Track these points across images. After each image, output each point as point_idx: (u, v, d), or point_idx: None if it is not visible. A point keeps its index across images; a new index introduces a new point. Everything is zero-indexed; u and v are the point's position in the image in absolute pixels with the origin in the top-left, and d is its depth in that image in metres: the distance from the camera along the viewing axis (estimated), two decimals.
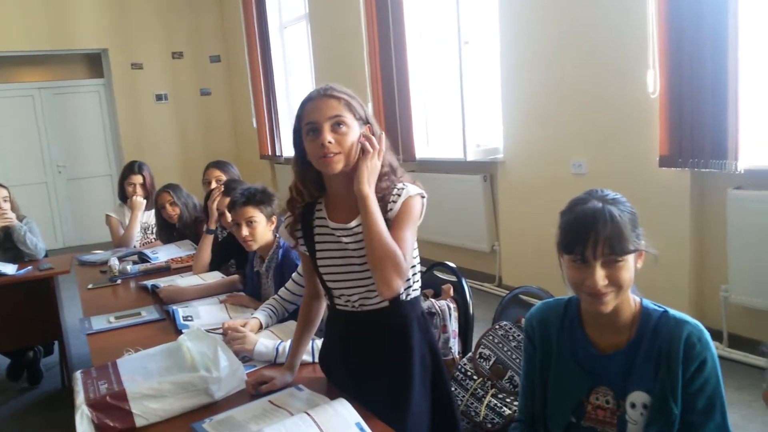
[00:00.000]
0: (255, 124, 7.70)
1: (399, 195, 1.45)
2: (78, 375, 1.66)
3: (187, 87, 8.35)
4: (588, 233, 1.17)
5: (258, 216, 2.23)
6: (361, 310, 1.53)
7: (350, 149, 1.43)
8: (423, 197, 1.49)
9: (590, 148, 3.68)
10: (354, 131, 1.44)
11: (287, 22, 7.13)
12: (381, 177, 1.46)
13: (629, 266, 1.19)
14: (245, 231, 2.23)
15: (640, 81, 3.26)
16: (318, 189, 1.54)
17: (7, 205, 3.57)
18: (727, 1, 2.80)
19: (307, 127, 1.44)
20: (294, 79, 7.27)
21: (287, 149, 7.20)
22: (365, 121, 1.48)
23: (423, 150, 5.01)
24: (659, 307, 1.25)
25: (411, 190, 1.46)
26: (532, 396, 1.39)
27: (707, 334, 1.20)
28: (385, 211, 1.44)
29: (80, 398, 1.50)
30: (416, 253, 1.53)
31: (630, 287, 1.21)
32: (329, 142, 1.40)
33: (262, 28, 7.17)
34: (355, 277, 1.50)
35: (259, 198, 2.24)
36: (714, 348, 1.20)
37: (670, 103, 3.10)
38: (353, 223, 1.48)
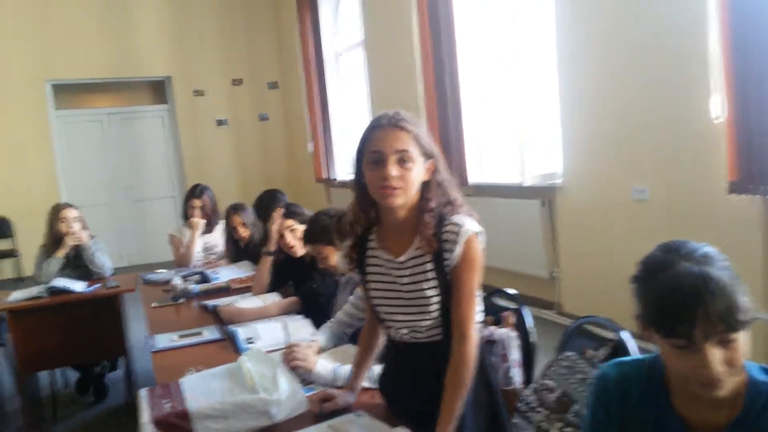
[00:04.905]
0: (311, 149, 7.84)
1: (457, 234, 1.40)
2: (143, 393, 1.70)
3: (246, 112, 8.61)
4: (694, 310, 0.94)
5: (325, 250, 2.33)
6: (412, 341, 1.51)
7: (412, 185, 1.41)
8: (479, 234, 1.43)
9: (653, 173, 3.56)
10: (418, 166, 1.42)
11: (343, 49, 7.28)
12: (431, 206, 1.43)
13: (744, 339, 0.97)
14: (320, 264, 2.39)
15: (703, 105, 3.16)
16: (374, 217, 1.52)
17: (78, 225, 3.74)
18: None
19: (371, 155, 1.41)
20: (349, 104, 7.39)
21: (342, 173, 7.29)
22: (429, 156, 1.45)
23: (476, 174, 4.99)
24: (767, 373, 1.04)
25: (469, 227, 1.41)
26: None
27: None
28: (441, 254, 1.40)
29: (145, 416, 1.54)
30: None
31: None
32: (392, 176, 1.37)
33: (318, 55, 7.34)
34: (405, 311, 1.48)
35: (317, 236, 2.34)
36: None
37: (738, 127, 2.98)
38: (404, 257, 1.46)
